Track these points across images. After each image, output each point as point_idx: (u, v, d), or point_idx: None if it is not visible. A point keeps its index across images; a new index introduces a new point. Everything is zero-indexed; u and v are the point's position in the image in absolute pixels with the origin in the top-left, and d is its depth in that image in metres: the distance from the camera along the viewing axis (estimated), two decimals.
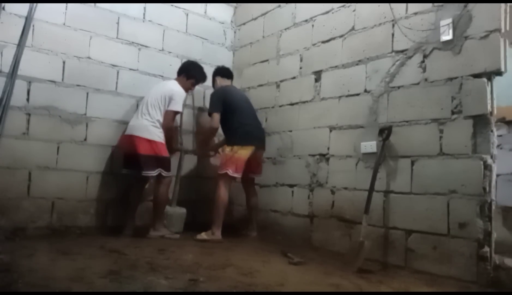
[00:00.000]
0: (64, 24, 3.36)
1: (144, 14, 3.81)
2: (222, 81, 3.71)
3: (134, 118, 3.38)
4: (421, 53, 2.71)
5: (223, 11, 4.40)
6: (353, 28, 3.19)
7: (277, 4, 3.94)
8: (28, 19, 3.16)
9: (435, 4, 2.66)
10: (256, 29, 4.19)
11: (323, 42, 3.43)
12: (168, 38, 3.95)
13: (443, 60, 2.59)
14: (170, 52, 3.95)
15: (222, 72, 3.79)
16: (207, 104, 3.79)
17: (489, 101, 2.36)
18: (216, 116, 3.42)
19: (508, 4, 2.42)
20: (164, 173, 3.27)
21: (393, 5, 2.85)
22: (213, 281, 2.04)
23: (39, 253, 2.41)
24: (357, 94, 3.10)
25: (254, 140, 3.48)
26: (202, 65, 3.74)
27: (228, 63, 4.37)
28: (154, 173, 3.24)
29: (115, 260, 2.36)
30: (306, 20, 3.62)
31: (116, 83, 3.62)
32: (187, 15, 4.11)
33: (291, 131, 3.65)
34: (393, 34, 2.90)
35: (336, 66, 3.30)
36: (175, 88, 3.41)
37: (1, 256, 2.26)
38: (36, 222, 3.16)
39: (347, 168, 3.09)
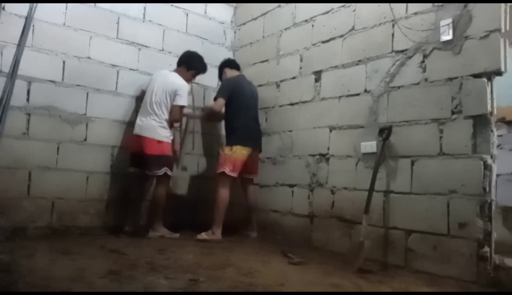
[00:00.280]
0: (64, 24, 3.36)
1: (144, 14, 3.81)
2: (231, 73, 3.73)
3: (140, 117, 3.37)
4: (421, 53, 2.71)
5: (223, 11, 4.40)
6: (353, 28, 3.19)
7: (277, 4, 3.94)
8: (28, 19, 3.16)
9: (435, 4, 2.66)
10: (256, 29, 4.19)
11: (323, 42, 3.43)
12: (168, 38, 3.95)
13: (443, 60, 2.59)
14: (170, 52, 3.95)
15: (230, 63, 3.83)
16: (207, 105, 3.80)
17: (489, 101, 2.37)
18: (221, 101, 3.45)
19: (508, 4, 2.42)
20: (169, 172, 3.30)
21: (393, 5, 2.85)
22: (213, 281, 2.04)
23: (39, 253, 2.41)
24: (357, 94, 3.10)
25: (252, 141, 3.50)
26: (197, 53, 3.70)
27: None
28: (160, 172, 3.26)
29: (115, 260, 2.36)
30: (306, 20, 3.62)
31: (116, 83, 3.62)
32: (187, 15, 4.11)
33: (291, 131, 3.65)
34: (393, 34, 2.91)
35: (336, 66, 3.30)
36: (178, 82, 3.39)
37: (1, 256, 2.26)
38: (36, 222, 3.16)
39: (347, 168, 3.09)
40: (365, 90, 3.05)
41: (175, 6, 4.02)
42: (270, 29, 4.01)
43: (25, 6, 3.16)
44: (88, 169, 3.44)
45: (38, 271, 2.01)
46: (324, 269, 2.48)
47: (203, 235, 3.27)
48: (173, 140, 3.47)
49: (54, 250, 2.50)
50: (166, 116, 3.33)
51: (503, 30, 2.36)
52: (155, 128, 3.29)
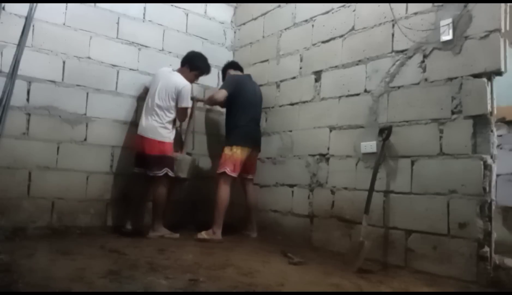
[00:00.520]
0: (64, 24, 3.36)
1: (144, 14, 3.81)
2: (235, 73, 3.78)
3: (143, 118, 3.38)
4: (421, 53, 2.71)
5: (223, 11, 4.40)
6: (353, 28, 3.19)
7: (277, 4, 3.94)
8: (28, 19, 3.16)
9: (435, 4, 2.66)
10: (256, 29, 4.19)
11: (323, 42, 3.43)
12: (168, 38, 3.95)
13: (443, 60, 2.59)
14: (170, 52, 3.95)
15: (234, 65, 3.89)
16: (207, 105, 3.81)
17: (489, 101, 2.36)
18: (223, 92, 3.47)
19: (508, 4, 2.42)
20: (170, 173, 3.29)
21: (393, 5, 2.85)
22: (213, 281, 2.04)
23: (39, 253, 2.41)
24: (357, 94, 3.10)
25: (251, 141, 3.50)
26: (201, 53, 3.70)
27: None
28: (161, 173, 3.26)
29: (115, 260, 2.36)
30: (306, 20, 3.62)
31: (116, 83, 3.62)
32: (187, 15, 4.11)
33: (291, 131, 3.65)
34: (393, 34, 2.91)
35: (336, 66, 3.30)
36: (181, 83, 3.37)
37: (1, 256, 2.26)
38: (36, 222, 3.16)
39: (347, 168, 3.09)
40: (365, 90, 3.05)
41: (175, 6, 4.02)
42: (270, 29, 4.01)
43: (25, 6, 3.16)
44: (88, 169, 3.44)
45: (38, 271, 2.01)
46: (324, 269, 2.48)
47: (203, 234, 3.27)
48: (175, 139, 3.46)
49: (54, 250, 2.50)
50: (168, 117, 3.33)
51: (503, 30, 2.36)
52: (156, 129, 3.30)
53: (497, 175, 2.40)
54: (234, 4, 4.46)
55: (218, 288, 1.95)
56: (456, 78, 2.51)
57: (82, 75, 3.43)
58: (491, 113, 2.37)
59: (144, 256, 2.52)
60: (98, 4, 3.53)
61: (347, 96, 3.18)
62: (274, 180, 3.72)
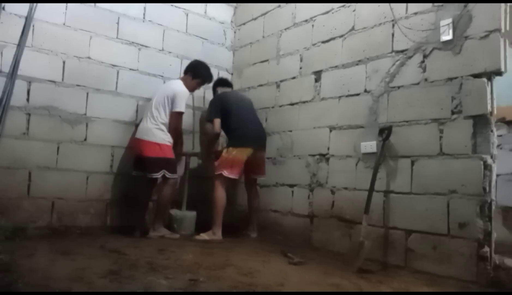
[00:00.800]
0: (64, 24, 3.36)
1: (144, 14, 3.81)
2: (222, 90, 3.74)
3: (142, 121, 3.42)
4: (421, 53, 2.71)
5: (223, 11, 4.40)
6: (353, 28, 3.19)
7: (277, 4, 3.94)
8: (28, 19, 3.16)
9: (435, 4, 2.66)
10: (256, 29, 4.19)
11: (323, 42, 3.43)
12: (168, 38, 3.95)
13: (443, 60, 2.59)
14: (170, 52, 3.96)
15: (222, 82, 3.84)
16: (207, 105, 3.79)
17: (489, 101, 2.36)
18: (217, 121, 3.45)
19: (508, 4, 2.42)
20: (168, 175, 3.27)
21: (393, 5, 2.85)
22: (213, 281, 2.04)
23: (39, 253, 2.41)
24: (357, 94, 3.10)
25: (250, 142, 3.46)
26: (205, 62, 3.71)
27: (228, 63, 4.38)
28: (158, 175, 3.26)
29: (115, 260, 2.36)
30: (306, 20, 3.62)
31: (116, 83, 3.63)
32: (187, 15, 4.11)
33: (291, 131, 3.65)
34: (393, 34, 2.91)
35: (336, 66, 3.30)
36: (177, 88, 3.41)
37: (1, 256, 2.26)
38: (36, 222, 3.16)
39: (347, 168, 3.09)
40: (365, 90, 3.05)
41: (175, 6, 4.02)
42: (270, 29, 4.01)
43: (25, 6, 3.16)
44: (88, 169, 3.44)
45: (38, 271, 2.01)
46: (324, 269, 2.48)
47: (203, 236, 3.27)
48: (175, 144, 3.44)
49: (54, 250, 2.50)
50: (163, 119, 3.33)
51: (503, 30, 2.36)
52: (151, 131, 3.30)
53: (497, 175, 2.40)
54: (234, 4, 4.46)
55: (218, 288, 1.95)
56: (456, 78, 2.51)
57: (82, 75, 3.43)
58: (491, 113, 2.37)
59: (144, 256, 2.52)
60: (98, 4, 3.53)
61: (347, 96, 3.18)
62: (274, 180, 3.72)
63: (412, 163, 2.68)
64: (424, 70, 2.68)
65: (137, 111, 3.70)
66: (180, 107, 3.36)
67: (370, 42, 3.05)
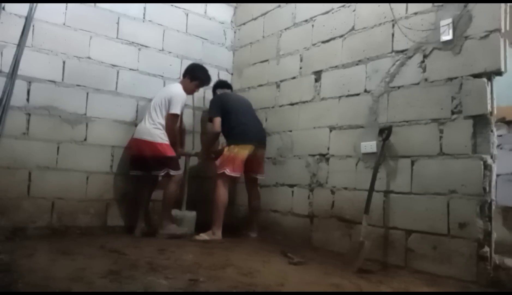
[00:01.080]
0: (64, 24, 3.36)
1: (144, 14, 3.81)
2: (222, 92, 3.77)
3: (141, 122, 3.47)
4: (421, 53, 2.71)
5: (223, 11, 4.40)
6: (353, 28, 3.19)
7: (277, 4, 3.94)
8: (28, 19, 3.16)
9: (435, 4, 2.66)
10: (256, 29, 4.19)
11: (323, 42, 3.43)
12: (168, 38, 3.95)
13: (443, 60, 2.59)
14: (170, 52, 3.96)
15: (221, 84, 3.88)
16: (207, 105, 3.80)
17: (489, 101, 2.36)
18: (217, 120, 3.48)
19: (508, 4, 2.42)
20: (172, 172, 3.31)
21: (393, 5, 2.85)
22: (213, 281, 2.04)
23: (39, 253, 2.41)
24: (357, 94, 3.10)
25: (251, 139, 3.48)
26: (203, 65, 3.76)
27: (228, 63, 4.38)
28: (161, 172, 3.31)
29: (115, 260, 2.36)
30: (306, 20, 3.62)
31: (116, 83, 3.63)
32: (187, 15, 4.11)
33: (291, 131, 3.65)
34: (393, 34, 2.90)
35: (336, 66, 3.30)
36: (175, 90, 3.46)
37: (1, 256, 2.26)
38: (36, 222, 3.16)
39: (347, 168, 3.09)
40: (365, 90, 3.05)
41: (175, 6, 4.02)
42: (270, 29, 4.01)
43: (25, 6, 3.16)
44: (88, 169, 3.44)
45: (38, 271, 2.01)
46: (324, 269, 2.48)
47: (203, 236, 3.27)
48: (172, 145, 3.45)
49: (54, 250, 2.50)
50: (160, 119, 3.37)
51: (503, 30, 2.36)
52: (149, 130, 3.34)
53: (497, 175, 2.40)
54: (234, 4, 4.46)
55: (218, 288, 1.95)
56: (456, 78, 2.51)
57: (82, 75, 3.43)
58: (491, 113, 2.37)
59: (144, 256, 2.52)
60: (98, 4, 3.53)
61: (347, 96, 3.18)
62: (274, 180, 3.72)
63: (412, 163, 2.68)
64: (424, 70, 2.68)
65: (137, 111, 3.71)
66: (175, 109, 3.40)
67: (370, 42, 3.05)
